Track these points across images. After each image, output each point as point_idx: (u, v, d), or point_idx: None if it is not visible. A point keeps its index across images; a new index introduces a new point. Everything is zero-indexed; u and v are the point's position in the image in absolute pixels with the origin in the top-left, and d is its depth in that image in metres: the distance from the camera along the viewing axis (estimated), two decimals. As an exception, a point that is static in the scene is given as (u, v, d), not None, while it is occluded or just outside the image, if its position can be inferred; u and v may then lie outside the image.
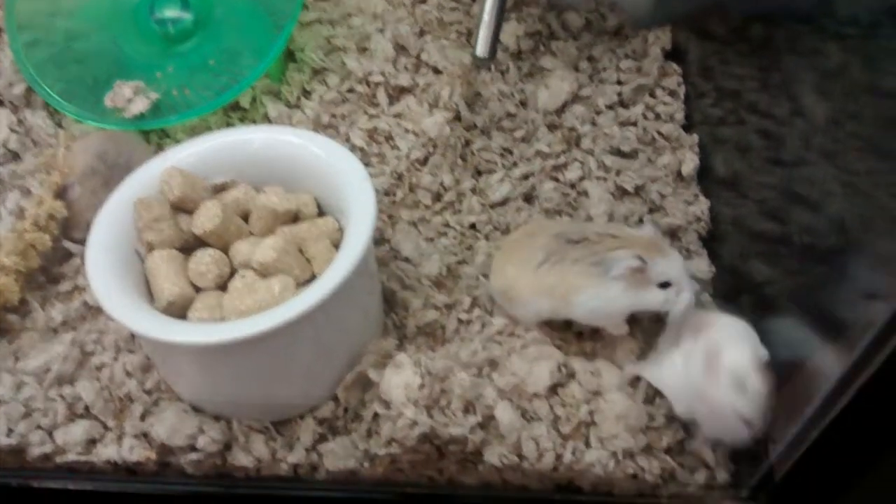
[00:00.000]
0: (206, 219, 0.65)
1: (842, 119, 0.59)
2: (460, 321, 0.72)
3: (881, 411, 0.51)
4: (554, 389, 0.66)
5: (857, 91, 0.57)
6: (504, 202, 0.80)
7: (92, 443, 0.66)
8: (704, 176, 0.81)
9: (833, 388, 0.52)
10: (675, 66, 0.89)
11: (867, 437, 0.53)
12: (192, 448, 0.64)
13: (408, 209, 0.79)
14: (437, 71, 0.87)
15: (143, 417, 0.66)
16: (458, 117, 0.83)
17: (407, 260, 0.75)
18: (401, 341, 0.69)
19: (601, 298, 0.65)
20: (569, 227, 0.71)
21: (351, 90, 0.86)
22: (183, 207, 0.67)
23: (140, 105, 0.79)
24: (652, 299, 0.65)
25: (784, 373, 0.60)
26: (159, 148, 0.80)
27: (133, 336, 0.69)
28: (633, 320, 0.68)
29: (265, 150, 0.69)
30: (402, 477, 0.65)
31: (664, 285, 0.65)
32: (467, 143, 0.83)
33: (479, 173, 0.82)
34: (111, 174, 0.73)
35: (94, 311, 0.71)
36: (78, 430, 0.66)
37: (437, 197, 0.80)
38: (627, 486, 0.63)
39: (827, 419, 0.53)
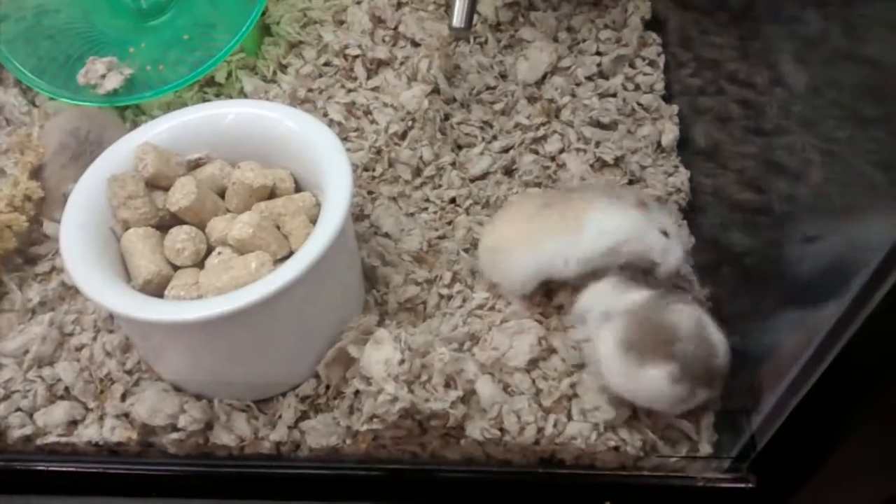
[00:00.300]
0: (182, 195, 0.64)
1: (821, 87, 0.59)
2: (441, 296, 0.71)
3: (858, 380, 0.51)
4: (535, 363, 0.66)
5: (836, 59, 0.57)
6: (484, 176, 0.80)
7: (73, 424, 0.66)
8: (684, 146, 0.81)
9: (811, 357, 0.52)
10: (654, 35, 0.88)
11: (845, 406, 0.53)
12: (174, 427, 0.64)
13: (387, 184, 0.78)
14: (415, 43, 0.86)
15: (123, 398, 0.66)
16: (436, 90, 0.82)
17: (387, 235, 0.75)
18: (382, 317, 0.69)
19: (611, 217, 0.66)
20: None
21: (328, 64, 0.85)
22: (157, 184, 0.66)
23: (114, 81, 0.78)
24: (654, 240, 0.66)
25: (763, 343, 0.60)
26: (135, 125, 0.79)
27: (112, 316, 0.68)
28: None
29: (240, 125, 0.68)
30: (385, 453, 0.65)
31: (663, 234, 0.66)
32: (446, 117, 0.82)
33: (458, 147, 0.82)
34: (82, 150, 0.73)
35: (73, 291, 0.71)
36: (58, 412, 0.65)
37: (417, 171, 0.79)
38: (609, 459, 0.64)
39: (806, 388, 0.53)
